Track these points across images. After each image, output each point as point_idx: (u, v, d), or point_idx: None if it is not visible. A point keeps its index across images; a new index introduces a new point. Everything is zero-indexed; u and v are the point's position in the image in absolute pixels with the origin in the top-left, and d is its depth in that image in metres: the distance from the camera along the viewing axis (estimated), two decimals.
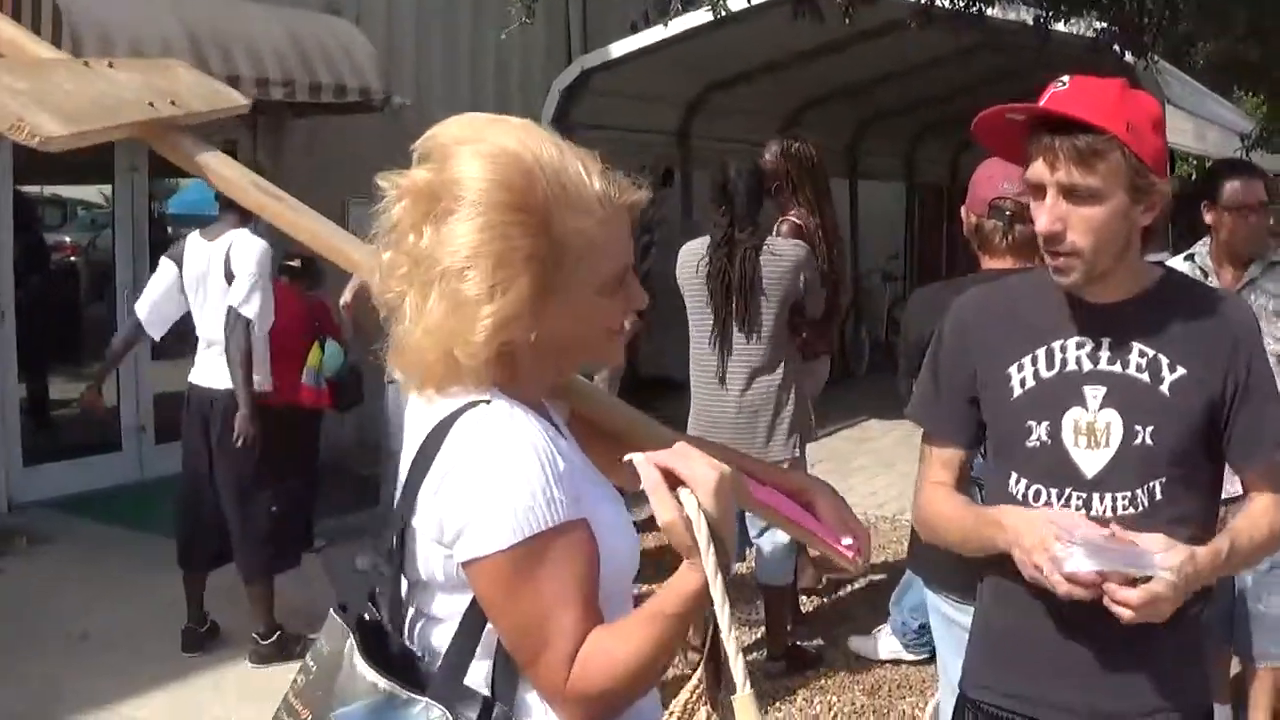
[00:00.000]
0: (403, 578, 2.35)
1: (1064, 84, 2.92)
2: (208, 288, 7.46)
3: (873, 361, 18.53)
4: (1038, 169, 2.90)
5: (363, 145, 13.31)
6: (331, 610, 2.40)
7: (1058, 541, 2.77)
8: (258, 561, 7.57)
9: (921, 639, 7.10)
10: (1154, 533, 2.81)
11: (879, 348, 19.09)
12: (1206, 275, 5.87)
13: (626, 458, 2.21)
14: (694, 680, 2.24)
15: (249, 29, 11.12)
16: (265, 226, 3.69)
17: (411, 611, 2.37)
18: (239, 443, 7.26)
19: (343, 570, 8.97)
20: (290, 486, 7.83)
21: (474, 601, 2.25)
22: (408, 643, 2.37)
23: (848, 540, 2.48)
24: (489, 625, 2.24)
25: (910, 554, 5.39)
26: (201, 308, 7.53)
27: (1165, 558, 2.71)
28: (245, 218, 7.38)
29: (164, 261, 7.77)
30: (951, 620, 4.55)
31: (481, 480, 2.16)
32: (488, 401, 2.23)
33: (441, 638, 2.32)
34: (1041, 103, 2.91)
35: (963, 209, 4.62)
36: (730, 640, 2.13)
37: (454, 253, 2.18)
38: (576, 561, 2.19)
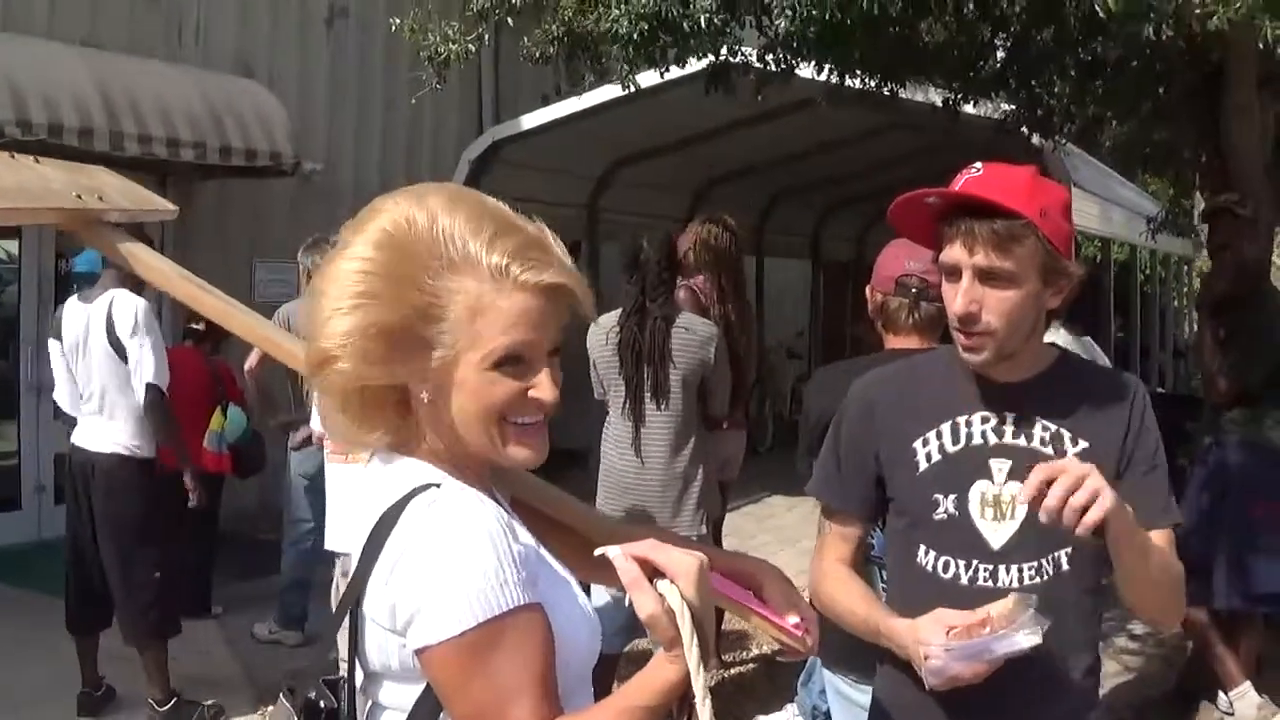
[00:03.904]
0: (358, 666, 2.29)
1: (978, 170, 2.97)
2: (88, 348, 7.34)
3: (776, 438, 18.51)
4: (955, 252, 2.94)
5: (271, 208, 13.35)
6: (281, 695, 2.36)
7: (927, 659, 2.83)
8: (142, 626, 7.42)
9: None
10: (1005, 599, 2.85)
11: (783, 424, 19.11)
12: None
13: (599, 551, 2.15)
14: None
15: (162, 89, 11.09)
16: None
17: (367, 702, 2.31)
18: (195, 504, 7.43)
19: (241, 638, 8.90)
20: (175, 551, 7.75)
21: (425, 692, 2.18)
22: None
23: (794, 619, 2.43)
24: (442, 716, 2.18)
25: None
26: (82, 369, 7.41)
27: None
28: (124, 278, 7.26)
29: (50, 343, 7.66)
30: (850, 700, 4.54)
31: (434, 565, 2.10)
32: (438, 485, 2.19)
33: None
34: (956, 187, 2.96)
35: (867, 288, 4.64)
36: None
37: (325, 280, 2.22)
38: (533, 647, 2.11)
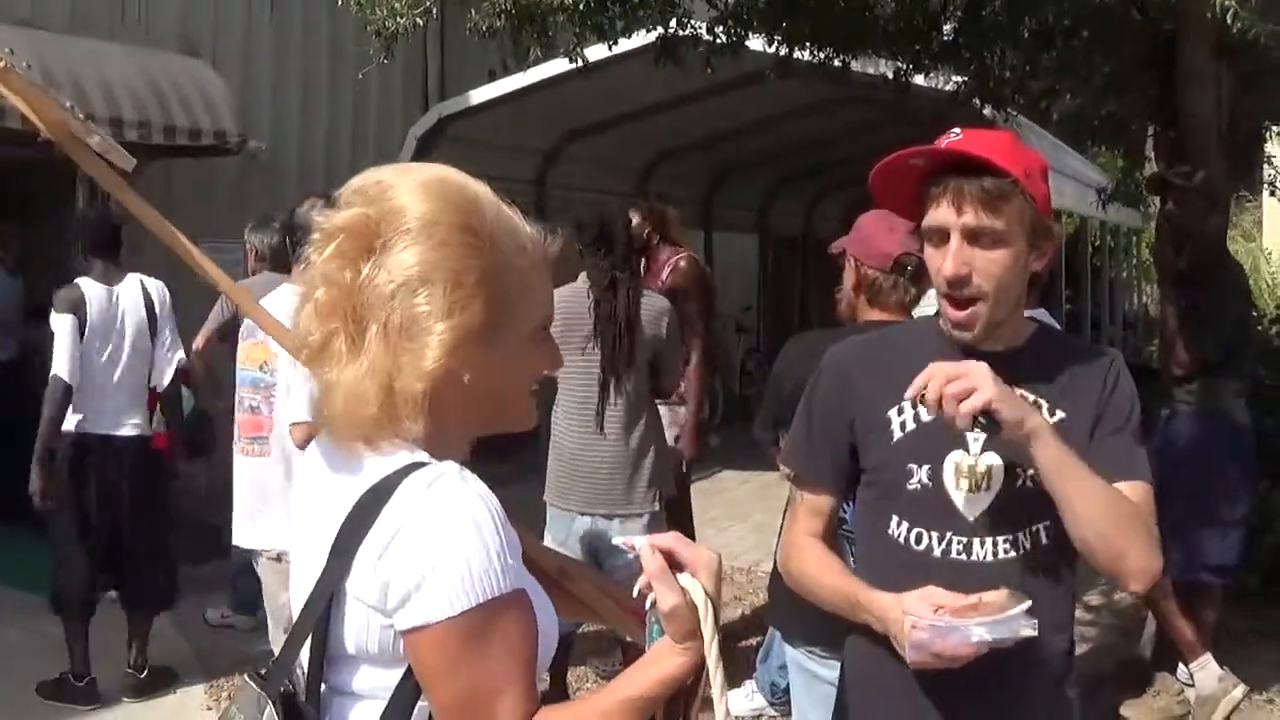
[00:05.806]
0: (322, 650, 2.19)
1: (957, 134, 2.93)
2: (121, 330, 7.54)
3: (726, 413, 18.53)
4: (942, 213, 2.90)
5: (217, 188, 13.22)
6: (247, 677, 2.28)
7: (912, 630, 2.79)
8: (162, 592, 7.94)
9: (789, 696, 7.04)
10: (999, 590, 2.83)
11: (732, 399, 19.12)
12: None
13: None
14: None
15: (105, 68, 10.96)
16: None
17: (325, 687, 2.21)
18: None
19: (192, 622, 8.83)
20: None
21: (404, 678, 2.12)
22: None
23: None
24: (420, 704, 2.12)
25: (769, 608, 5.31)
26: (99, 350, 7.48)
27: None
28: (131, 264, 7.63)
29: (65, 317, 7.52)
30: (814, 675, 4.51)
31: (437, 541, 2.02)
32: (433, 464, 2.11)
33: (363, 716, 2.18)
34: (941, 145, 2.92)
35: (849, 257, 4.57)
36: None
37: (407, 271, 2.09)
38: (522, 634, 2.08)
